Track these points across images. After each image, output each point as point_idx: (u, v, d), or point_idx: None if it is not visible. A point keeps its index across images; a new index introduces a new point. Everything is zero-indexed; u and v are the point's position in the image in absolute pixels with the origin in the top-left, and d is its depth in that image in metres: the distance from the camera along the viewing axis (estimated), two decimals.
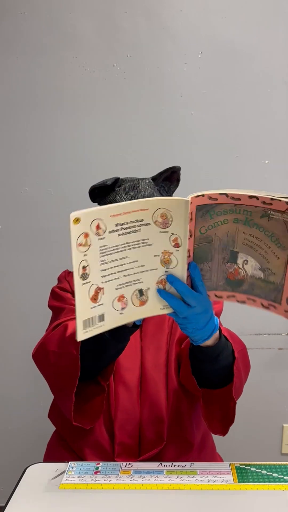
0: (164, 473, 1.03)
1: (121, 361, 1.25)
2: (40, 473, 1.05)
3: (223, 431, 1.17)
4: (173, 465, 1.06)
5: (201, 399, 1.16)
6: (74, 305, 1.27)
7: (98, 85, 1.95)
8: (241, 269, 0.98)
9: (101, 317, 0.91)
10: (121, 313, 0.94)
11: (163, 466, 1.06)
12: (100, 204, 1.33)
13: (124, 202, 0.88)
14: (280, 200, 0.89)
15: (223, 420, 1.17)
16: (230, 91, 1.94)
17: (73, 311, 1.24)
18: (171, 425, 1.25)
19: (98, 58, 1.93)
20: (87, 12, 1.91)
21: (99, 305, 0.90)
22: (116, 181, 1.27)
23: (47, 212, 2.02)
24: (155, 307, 0.97)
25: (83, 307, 0.88)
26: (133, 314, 0.96)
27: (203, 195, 0.91)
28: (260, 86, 1.93)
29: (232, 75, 1.93)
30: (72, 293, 1.30)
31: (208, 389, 1.17)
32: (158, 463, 1.06)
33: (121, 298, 0.93)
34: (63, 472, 1.04)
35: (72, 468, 1.05)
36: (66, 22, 1.92)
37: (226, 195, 0.91)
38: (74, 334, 1.05)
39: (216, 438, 1.44)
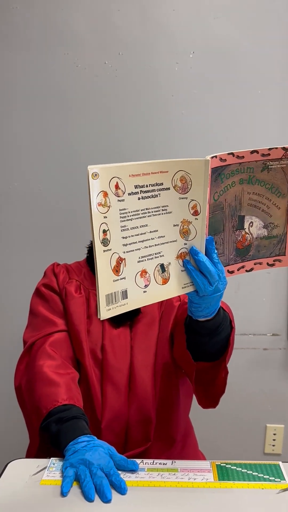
0: (145, 470, 1.03)
1: (110, 361, 1.25)
2: (21, 469, 1.04)
3: (214, 403, 1.20)
4: (154, 463, 1.06)
5: (194, 374, 1.16)
6: (58, 303, 1.29)
7: (89, 82, 1.95)
8: (248, 233, 1.00)
9: (124, 294, 0.87)
10: (144, 291, 0.89)
11: (144, 463, 1.06)
12: None
13: (143, 162, 0.85)
14: (277, 148, 0.95)
15: (214, 392, 1.19)
16: (221, 91, 1.95)
17: (54, 323, 1.26)
18: (157, 425, 1.26)
19: (90, 55, 1.93)
20: (80, 8, 1.91)
21: (121, 278, 0.85)
22: None
23: (36, 208, 2.02)
24: (177, 286, 0.93)
25: (105, 279, 0.83)
26: (157, 293, 0.91)
27: (215, 156, 0.91)
28: (252, 86, 1.94)
29: (224, 75, 1.94)
30: (59, 292, 1.30)
31: (202, 362, 1.17)
32: (139, 460, 1.06)
33: (143, 273, 0.88)
34: (44, 468, 1.04)
35: (54, 464, 1.05)
36: (58, 18, 1.91)
37: (233, 154, 0.93)
38: (40, 401, 1.12)
39: (199, 436, 1.46)
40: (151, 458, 1.21)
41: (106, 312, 0.84)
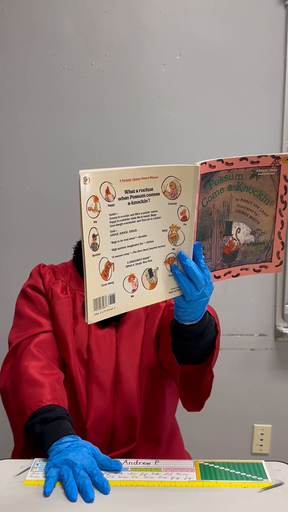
0: (129, 470, 1.03)
1: (96, 361, 1.25)
2: (5, 469, 1.04)
3: (199, 407, 1.20)
4: (138, 463, 1.06)
5: (178, 376, 1.17)
6: (44, 304, 1.28)
7: (76, 84, 1.95)
8: (235, 239, 1.01)
9: (112, 298, 0.87)
10: (132, 296, 0.90)
11: (128, 463, 1.06)
12: None
13: (134, 167, 0.85)
14: (266, 156, 0.96)
15: (199, 395, 1.19)
16: (208, 93, 1.96)
17: (39, 324, 1.26)
18: (143, 425, 1.26)
19: (77, 57, 1.94)
20: (66, 10, 1.91)
21: (109, 283, 0.86)
22: None
23: (22, 209, 2.02)
24: (164, 291, 0.94)
25: (93, 284, 0.84)
26: (144, 298, 0.92)
27: (205, 163, 0.92)
28: (238, 89, 1.96)
29: (210, 77, 1.95)
30: (45, 293, 1.30)
31: (187, 365, 1.17)
32: (123, 460, 1.07)
33: (131, 277, 0.89)
34: (28, 468, 1.04)
35: (37, 464, 1.05)
36: (45, 19, 1.92)
37: (222, 161, 0.93)
38: (25, 399, 1.12)
39: (186, 438, 1.46)
40: (137, 458, 1.22)
41: (93, 316, 0.85)
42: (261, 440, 2.16)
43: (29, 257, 2.00)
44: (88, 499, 0.92)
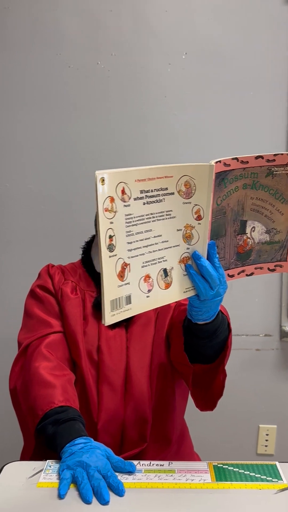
0: (143, 472, 1.03)
1: (106, 361, 1.24)
2: (17, 471, 1.04)
3: (212, 406, 1.20)
4: (151, 464, 1.06)
5: (191, 376, 1.16)
6: (54, 304, 1.28)
7: (81, 83, 1.94)
8: (249, 238, 1.00)
9: (128, 299, 0.87)
10: (147, 296, 0.89)
11: (141, 465, 1.05)
12: None
13: (149, 167, 0.85)
14: (282, 154, 0.95)
15: (212, 395, 1.19)
16: (214, 92, 1.95)
17: (49, 324, 1.25)
18: (153, 426, 1.25)
19: (82, 56, 1.93)
20: (72, 9, 1.90)
21: (125, 284, 0.85)
22: None
23: (28, 208, 2.01)
24: (179, 291, 0.94)
25: (110, 285, 0.83)
26: (159, 298, 0.91)
27: (219, 161, 0.91)
28: (243, 88, 1.95)
29: (216, 76, 1.94)
30: (54, 294, 1.30)
31: (200, 364, 1.17)
32: (137, 462, 1.06)
33: (147, 278, 0.89)
34: (41, 470, 1.03)
35: (50, 466, 1.04)
36: (50, 18, 1.91)
37: (237, 159, 0.93)
38: (36, 402, 1.12)
39: (192, 436, 1.45)
40: (147, 459, 1.21)
41: (110, 317, 0.84)
42: (266, 440, 2.15)
43: (30, 257, 1.99)
44: (104, 501, 0.91)
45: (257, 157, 0.95)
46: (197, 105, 1.95)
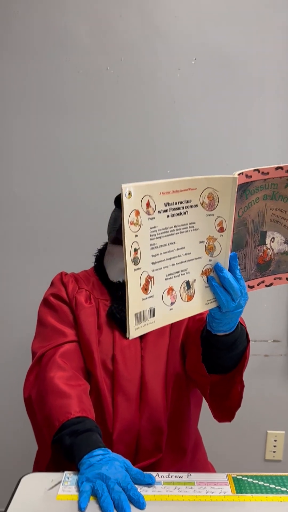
0: (162, 484, 1.02)
1: (121, 371, 1.24)
2: (35, 483, 1.03)
3: (230, 417, 1.20)
4: (170, 476, 1.05)
5: (209, 386, 1.15)
6: (68, 313, 1.27)
7: (90, 88, 1.93)
8: (269, 249, 1.00)
9: (152, 312, 0.86)
10: (170, 309, 0.89)
11: (160, 477, 1.05)
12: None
13: (173, 179, 0.85)
14: None
15: (230, 406, 1.19)
16: (223, 98, 1.95)
17: (64, 334, 1.24)
18: (169, 435, 1.25)
19: (92, 61, 1.92)
20: (81, 13, 1.90)
21: (149, 297, 0.85)
22: None
23: (36, 214, 2.00)
24: (201, 303, 0.93)
25: (135, 298, 0.83)
26: (182, 311, 0.91)
27: (242, 173, 0.91)
28: (253, 93, 1.95)
29: (225, 82, 1.94)
30: (68, 302, 1.29)
31: (217, 375, 1.16)
32: (155, 473, 1.05)
33: (170, 290, 0.88)
34: (59, 482, 1.02)
35: (68, 478, 1.04)
36: (60, 23, 1.90)
37: (258, 170, 0.93)
38: (52, 412, 1.11)
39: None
40: (162, 469, 1.21)
41: (135, 331, 0.84)
42: (274, 446, 2.15)
43: (45, 263, 1.98)
44: None
45: (277, 168, 0.95)
46: (206, 111, 1.95)
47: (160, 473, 1.06)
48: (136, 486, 0.99)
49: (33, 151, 1.96)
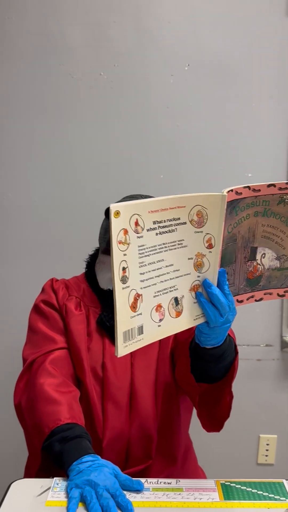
0: (151, 490, 1.03)
1: (111, 378, 1.24)
2: (25, 489, 1.03)
3: (219, 427, 1.21)
4: (159, 482, 1.06)
5: (197, 396, 1.16)
6: (58, 320, 1.27)
7: (84, 93, 1.94)
8: (259, 264, 1.01)
9: (140, 329, 0.87)
10: (159, 325, 0.90)
11: (149, 483, 1.05)
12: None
13: (162, 198, 0.85)
14: None
15: (218, 416, 1.20)
16: (216, 104, 1.96)
17: (54, 341, 1.25)
18: (159, 443, 1.25)
19: (85, 66, 1.93)
20: (75, 19, 1.91)
21: (138, 314, 0.86)
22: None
23: (30, 220, 2.00)
24: (189, 318, 0.94)
25: (123, 316, 0.84)
26: (170, 327, 0.92)
27: (231, 190, 0.91)
28: (246, 100, 1.96)
29: (219, 88, 1.95)
30: (59, 309, 1.29)
31: (205, 384, 1.17)
32: (144, 479, 1.06)
33: (158, 307, 0.89)
34: (48, 488, 1.03)
35: (58, 484, 1.04)
36: (54, 29, 1.91)
37: (249, 187, 0.93)
38: (42, 419, 1.11)
39: (194, 446, 1.45)
40: (152, 475, 1.21)
41: (123, 349, 0.85)
42: (267, 450, 2.16)
43: (39, 269, 1.99)
44: None
45: (269, 185, 0.95)
46: (199, 117, 1.96)
47: (149, 479, 1.07)
48: (125, 492, 1.00)
49: (25, 156, 1.97)
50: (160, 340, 1.29)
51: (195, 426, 1.46)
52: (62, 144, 1.96)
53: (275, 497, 1.01)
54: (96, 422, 1.23)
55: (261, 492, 1.02)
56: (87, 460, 1.03)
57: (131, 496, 1.00)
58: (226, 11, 1.91)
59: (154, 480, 1.07)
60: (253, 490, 1.03)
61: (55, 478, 1.07)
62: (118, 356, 0.84)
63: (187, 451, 1.35)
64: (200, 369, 1.13)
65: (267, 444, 2.15)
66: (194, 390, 1.15)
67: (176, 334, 1.28)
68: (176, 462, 1.28)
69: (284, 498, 1.00)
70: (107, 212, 1.33)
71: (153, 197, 1.25)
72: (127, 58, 1.93)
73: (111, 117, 1.95)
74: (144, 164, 1.97)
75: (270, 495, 1.01)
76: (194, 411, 1.38)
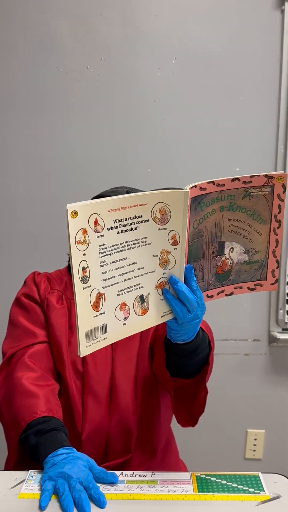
0: (125, 482, 1.02)
1: (91, 372, 1.24)
2: None
3: (193, 423, 1.20)
4: (134, 475, 1.05)
5: (173, 391, 1.16)
6: (39, 314, 1.27)
7: (71, 87, 1.94)
8: (228, 259, 1.00)
9: (104, 328, 0.87)
10: (124, 324, 0.89)
11: (124, 475, 1.05)
12: None
13: (122, 196, 0.85)
14: (259, 175, 0.95)
15: (193, 411, 1.19)
16: (203, 97, 1.95)
17: (34, 334, 1.24)
18: (138, 437, 1.25)
19: (72, 60, 1.92)
20: (62, 13, 1.90)
21: (101, 313, 0.86)
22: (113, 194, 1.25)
23: (14, 214, 2.00)
24: (156, 315, 0.94)
25: (84, 316, 0.83)
26: (136, 324, 0.91)
27: (195, 186, 0.91)
28: (233, 93, 1.95)
29: (206, 82, 1.94)
30: (40, 303, 1.29)
31: (180, 379, 1.16)
32: (119, 472, 1.06)
33: (123, 306, 0.89)
34: (23, 481, 1.03)
35: (32, 477, 1.04)
36: (40, 22, 1.90)
37: (213, 182, 0.93)
38: (19, 414, 1.10)
39: (180, 443, 1.45)
40: (132, 468, 1.21)
41: (86, 348, 0.84)
42: (254, 445, 2.16)
43: (21, 263, 1.98)
44: None
45: (233, 180, 0.95)
46: (186, 110, 1.95)
47: (125, 472, 1.06)
48: (99, 485, 0.99)
49: (10, 148, 1.96)
50: (141, 334, 1.28)
51: None
52: (48, 137, 1.95)
53: (249, 490, 1.00)
54: (76, 415, 1.22)
55: (236, 485, 1.02)
56: (62, 453, 1.03)
57: (105, 489, 0.99)
58: (213, 4, 1.90)
59: (129, 473, 1.06)
60: (228, 483, 1.03)
61: (30, 470, 1.06)
62: (81, 356, 0.84)
63: (167, 445, 1.35)
64: (174, 365, 1.12)
65: (255, 439, 2.15)
66: (169, 385, 1.15)
67: (156, 328, 1.28)
68: (156, 455, 1.28)
69: (259, 491, 1.00)
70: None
71: (140, 190, 1.26)
72: (114, 52, 1.92)
73: (97, 110, 1.95)
74: (131, 158, 1.96)
75: (244, 488, 1.01)
76: None
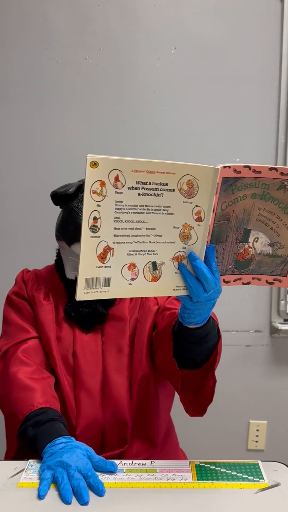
0: (124, 471, 1.02)
1: (82, 366, 1.24)
2: None
3: (202, 412, 1.19)
4: (133, 463, 1.05)
5: (180, 381, 1.15)
6: (30, 311, 1.27)
7: (69, 78, 1.93)
8: (251, 248, 0.99)
9: (107, 281, 0.87)
10: (130, 284, 0.89)
11: (123, 464, 1.05)
12: (62, 208, 1.28)
13: (150, 160, 0.84)
14: None
15: (201, 400, 1.18)
16: (203, 88, 1.94)
17: (27, 330, 1.25)
18: (134, 428, 1.25)
19: (70, 51, 1.91)
20: (59, 3, 1.89)
21: (106, 266, 0.86)
22: (80, 187, 1.23)
23: (2, 208, 1.99)
24: (167, 287, 0.93)
25: (87, 263, 0.84)
26: (143, 289, 0.91)
27: (229, 166, 0.89)
28: (233, 84, 1.94)
29: (205, 72, 1.93)
30: (28, 300, 1.29)
31: (188, 370, 1.16)
32: (118, 461, 1.06)
33: (131, 266, 0.89)
34: (22, 470, 1.03)
35: (31, 466, 1.04)
36: (38, 12, 1.89)
37: (249, 167, 0.91)
38: (18, 407, 1.10)
39: (181, 434, 1.45)
40: (130, 459, 1.21)
41: (83, 294, 0.85)
42: (257, 436, 2.16)
43: (15, 260, 1.97)
44: (83, 502, 0.91)
45: (271, 169, 0.92)
46: (186, 100, 1.94)
47: (124, 461, 1.07)
48: (98, 473, 1.00)
49: (9, 140, 1.95)
50: (129, 325, 1.27)
51: (182, 412, 1.46)
52: (47, 128, 1.95)
53: (249, 478, 1.00)
54: (69, 410, 1.23)
55: (235, 473, 1.02)
56: (60, 442, 1.03)
57: (104, 477, 0.99)
58: None
59: (128, 461, 1.06)
60: (227, 471, 1.02)
61: (29, 460, 1.06)
62: (77, 300, 0.85)
63: (167, 435, 1.35)
64: (184, 353, 1.11)
65: (257, 430, 2.15)
66: (177, 376, 1.14)
67: (155, 320, 1.27)
68: (155, 446, 1.27)
69: (258, 479, 1.00)
70: (53, 198, 1.28)
71: None
72: (113, 42, 1.91)
73: (96, 102, 1.94)
74: (130, 148, 1.96)
75: (244, 476, 1.01)
76: (177, 396, 1.38)
